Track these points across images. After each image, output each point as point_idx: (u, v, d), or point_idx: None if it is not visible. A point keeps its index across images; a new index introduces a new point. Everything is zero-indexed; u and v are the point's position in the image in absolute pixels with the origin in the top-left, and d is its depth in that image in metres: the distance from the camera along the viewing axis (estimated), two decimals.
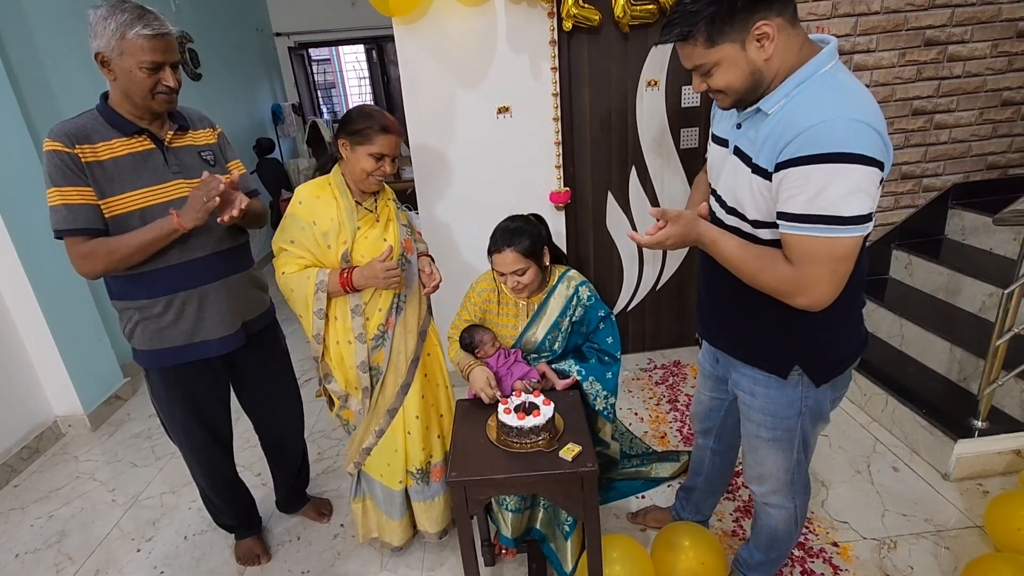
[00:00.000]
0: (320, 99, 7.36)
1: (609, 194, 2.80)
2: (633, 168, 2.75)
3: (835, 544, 1.81)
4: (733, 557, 1.66)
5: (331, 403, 1.73)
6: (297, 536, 2.05)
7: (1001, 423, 2.02)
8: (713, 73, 1.02)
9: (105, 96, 1.45)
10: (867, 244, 1.09)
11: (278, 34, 6.27)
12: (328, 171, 1.61)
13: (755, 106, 1.04)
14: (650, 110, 2.65)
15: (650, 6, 2.37)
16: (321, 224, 1.54)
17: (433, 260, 1.73)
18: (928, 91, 2.61)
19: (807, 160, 0.93)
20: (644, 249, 1.23)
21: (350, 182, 1.57)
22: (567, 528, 1.67)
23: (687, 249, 2.80)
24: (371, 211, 1.60)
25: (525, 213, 1.67)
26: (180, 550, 2.03)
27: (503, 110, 2.52)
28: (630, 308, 3.02)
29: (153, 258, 1.45)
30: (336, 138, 1.55)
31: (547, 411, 1.40)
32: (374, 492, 1.79)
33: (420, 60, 2.43)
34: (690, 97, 2.64)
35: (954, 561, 1.72)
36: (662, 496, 2.07)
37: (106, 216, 1.41)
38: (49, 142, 1.36)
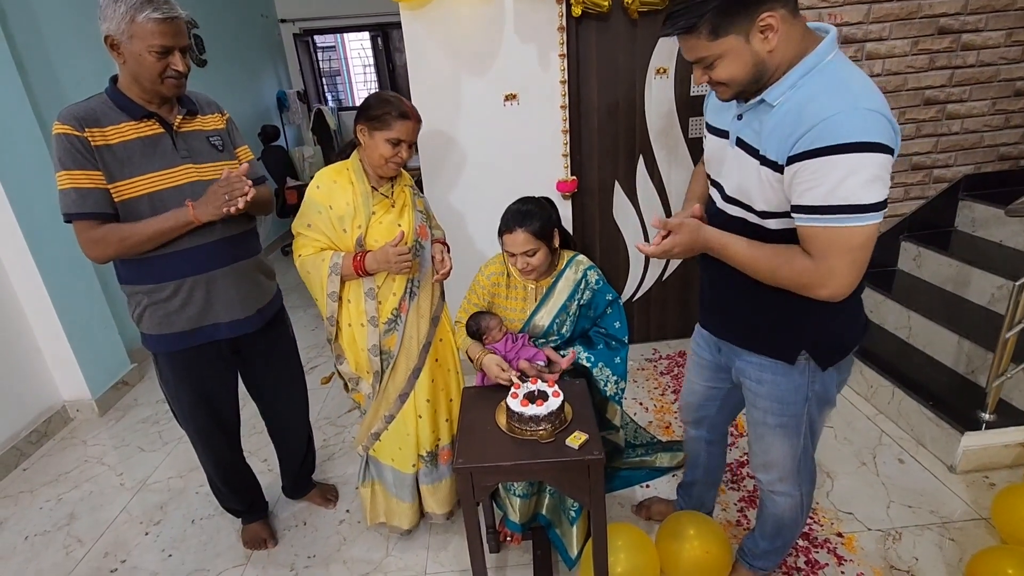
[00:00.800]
0: (325, 87, 7.32)
1: (616, 183, 2.78)
2: (641, 157, 2.73)
3: (840, 535, 1.82)
4: (737, 547, 1.66)
5: (346, 385, 1.75)
6: (303, 521, 2.06)
7: (1009, 416, 2.01)
8: (716, 65, 1.02)
9: (114, 79, 1.44)
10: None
11: (283, 20, 6.23)
12: (345, 156, 1.62)
13: (758, 97, 1.03)
14: (659, 98, 2.62)
15: None
16: (337, 208, 1.55)
17: (448, 248, 1.74)
18: (941, 80, 2.58)
19: (824, 152, 0.93)
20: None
21: (368, 167, 1.58)
22: (572, 514, 1.68)
23: None
24: (387, 196, 1.61)
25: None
26: (188, 534, 2.05)
27: (510, 98, 2.50)
28: (636, 298, 3.02)
29: (162, 243, 1.46)
30: (355, 123, 1.56)
31: (555, 400, 1.40)
32: (383, 477, 1.80)
33: (427, 46, 2.41)
34: (699, 86, 2.61)
35: (959, 553, 1.72)
36: (667, 485, 2.07)
37: (115, 200, 1.41)
38: (59, 125, 1.35)
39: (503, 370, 1.57)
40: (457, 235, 2.66)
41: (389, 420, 1.71)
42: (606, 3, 2.35)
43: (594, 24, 2.48)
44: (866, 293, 2.74)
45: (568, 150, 2.59)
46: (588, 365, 1.64)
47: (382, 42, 6.82)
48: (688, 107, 2.65)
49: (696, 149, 2.72)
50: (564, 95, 2.51)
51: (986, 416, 1.98)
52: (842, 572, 1.69)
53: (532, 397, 1.41)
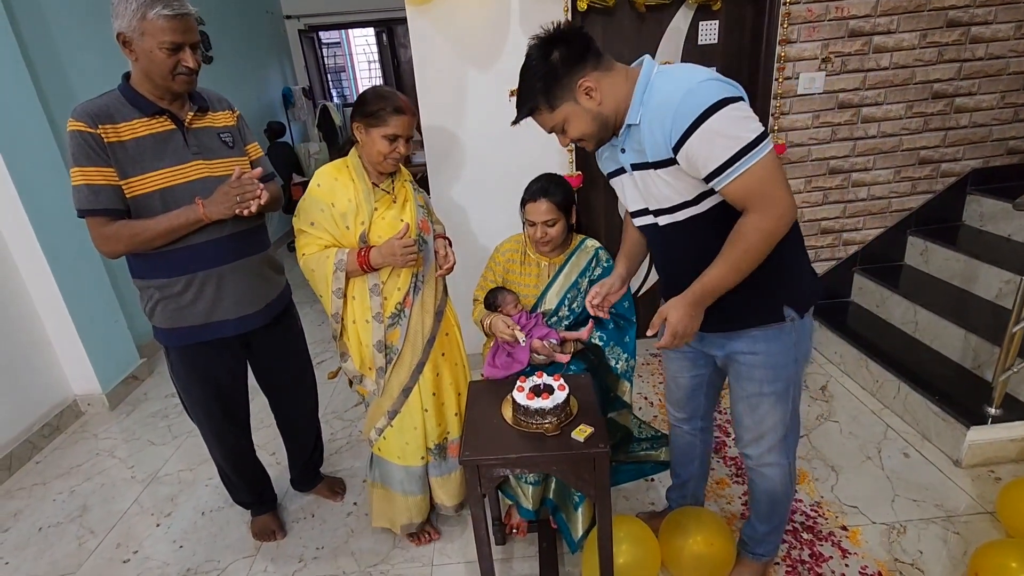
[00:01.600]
0: (330, 83, 7.34)
1: None
2: None
3: (844, 528, 1.82)
4: (738, 539, 1.67)
5: (350, 381, 1.76)
6: (311, 513, 2.09)
7: (1015, 410, 2.01)
8: (566, 129, 1.23)
9: (127, 76, 1.46)
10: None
11: (288, 16, 6.24)
12: (347, 153, 1.63)
13: (624, 126, 1.21)
14: None
15: None
16: (339, 206, 1.56)
17: (450, 243, 1.75)
18: (949, 73, 2.56)
19: (693, 127, 1.08)
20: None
21: (367, 164, 1.59)
22: (576, 499, 1.72)
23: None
24: (388, 192, 1.62)
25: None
26: (198, 525, 2.08)
27: (515, 92, 2.49)
28: (641, 294, 3.02)
29: (173, 240, 1.48)
30: (351, 121, 1.56)
31: (561, 394, 1.41)
32: (390, 478, 1.80)
33: (432, 42, 2.41)
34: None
35: (964, 546, 1.72)
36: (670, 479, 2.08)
37: (128, 196, 1.43)
38: (73, 122, 1.37)
39: (508, 327, 1.65)
40: (462, 229, 2.67)
41: (392, 416, 1.71)
42: None
43: (600, 18, 2.48)
44: (872, 288, 2.76)
45: (573, 145, 2.58)
46: (600, 344, 1.71)
47: (387, 38, 6.82)
48: None
49: None
50: None
51: (992, 410, 1.98)
52: (846, 565, 1.70)
53: (538, 391, 1.42)
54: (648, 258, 2.84)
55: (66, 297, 2.62)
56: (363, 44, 7.72)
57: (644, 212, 1.33)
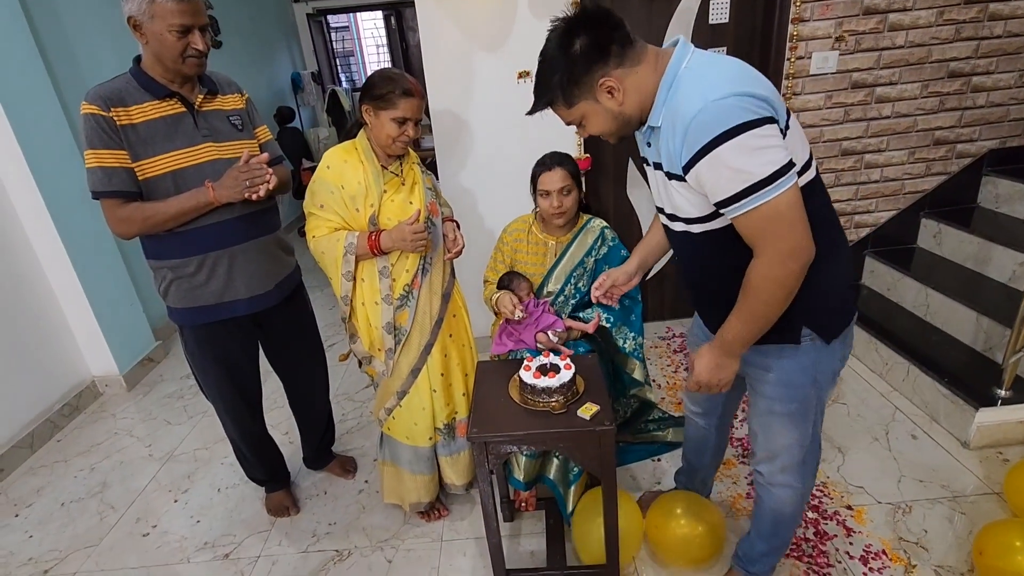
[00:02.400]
0: (339, 67, 7.32)
1: (630, 161, 2.77)
2: None
3: (849, 507, 1.84)
4: (733, 553, 1.61)
5: (360, 362, 1.79)
6: (324, 491, 2.13)
7: None
8: (585, 124, 1.15)
9: (138, 60, 1.48)
10: (818, 187, 1.14)
11: (296, 0, 6.21)
12: (355, 136, 1.63)
13: (647, 125, 1.12)
14: None
15: None
16: (349, 188, 1.57)
17: (458, 226, 1.76)
18: (966, 52, 2.51)
19: (701, 152, 0.99)
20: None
21: (375, 147, 1.59)
22: (571, 476, 1.77)
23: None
24: (397, 175, 1.63)
25: None
26: (214, 501, 2.14)
27: (524, 75, 2.49)
28: (649, 277, 3.02)
29: (185, 222, 1.51)
30: (360, 104, 1.57)
31: (567, 373, 1.43)
32: (399, 457, 1.83)
33: (440, 25, 2.40)
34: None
35: (969, 526, 1.73)
36: (677, 460, 2.10)
37: (140, 178, 1.46)
38: (86, 105, 1.40)
39: (514, 305, 1.70)
40: (470, 213, 2.68)
41: (402, 396, 1.74)
42: None
43: (608, 0, 2.45)
44: (883, 271, 2.74)
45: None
46: (608, 326, 1.74)
47: (395, 21, 6.78)
48: None
49: None
50: None
51: (1002, 392, 1.97)
52: (850, 543, 1.71)
53: (544, 369, 1.44)
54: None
55: (83, 281, 2.68)
56: (371, 28, 7.67)
57: (662, 212, 1.25)
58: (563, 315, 1.80)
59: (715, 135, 0.96)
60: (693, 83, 1.02)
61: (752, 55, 2.58)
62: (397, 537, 1.90)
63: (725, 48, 2.56)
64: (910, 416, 2.21)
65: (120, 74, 1.48)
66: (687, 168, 1.03)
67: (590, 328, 1.72)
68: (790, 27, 2.43)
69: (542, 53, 1.11)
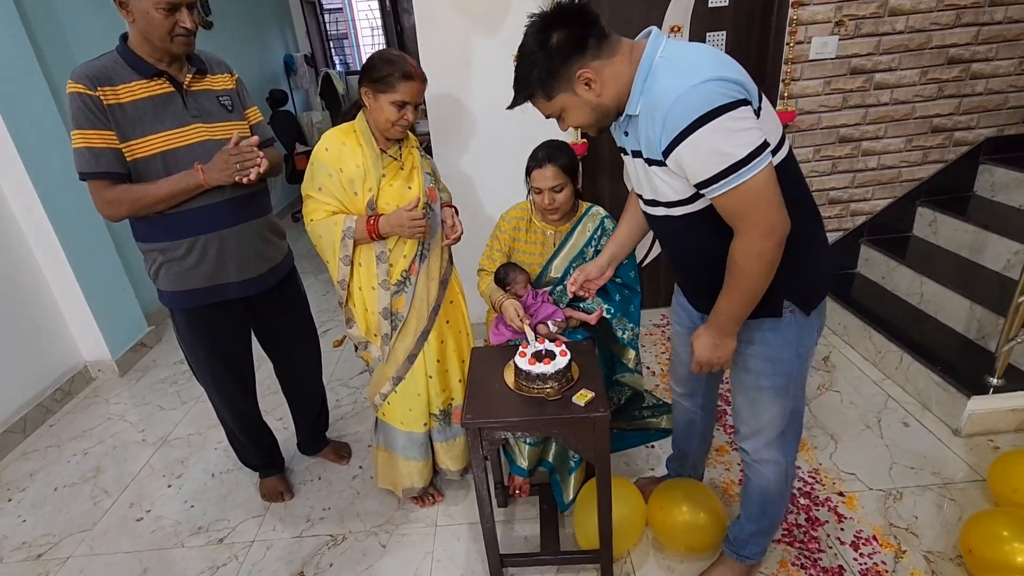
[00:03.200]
0: (332, 50, 7.21)
1: None
2: None
3: (841, 494, 1.85)
4: (724, 538, 1.61)
5: (356, 346, 1.78)
6: (318, 476, 2.14)
7: (1017, 381, 2.01)
8: (564, 117, 1.18)
9: (125, 37, 1.44)
10: (792, 164, 1.18)
11: None
12: (353, 118, 1.60)
13: (624, 114, 1.15)
14: None
15: None
16: (347, 171, 1.55)
17: (457, 212, 1.74)
18: (966, 38, 2.49)
19: (681, 136, 1.02)
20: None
21: (374, 130, 1.57)
22: (572, 464, 1.76)
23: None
24: (396, 159, 1.61)
25: None
26: (208, 486, 2.13)
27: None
28: (644, 264, 3.01)
29: (174, 204, 1.49)
30: (359, 86, 1.54)
31: (562, 359, 1.42)
32: (393, 442, 1.83)
33: (436, 6, 2.36)
34: (714, 44, 2.54)
35: (959, 512, 1.75)
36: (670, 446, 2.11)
37: (128, 159, 1.43)
38: (72, 84, 1.37)
39: (519, 317, 1.64)
40: (467, 199, 2.66)
41: (397, 381, 1.74)
42: None
43: None
44: (878, 259, 2.74)
45: None
46: (608, 317, 1.71)
47: (390, 3, 6.66)
48: None
49: None
50: None
51: (994, 380, 1.99)
52: (841, 529, 1.73)
53: (540, 356, 1.43)
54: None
55: (73, 264, 2.64)
56: (366, 10, 7.55)
57: (642, 198, 1.29)
58: (562, 304, 1.79)
59: (694, 119, 1.00)
60: (670, 71, 1.05)
61: (751, 39, 2.55)
62: (391, 522, 1.90)
63: (724, 32, 2.52)
64: (902, 404, 2.23)
65: (107, 52, 1.45)
66: (667, 152, 1.07)
67: (592, 320, 1.70)
68: (790, 11, 2.40)
69: (520, 49, 1.13)
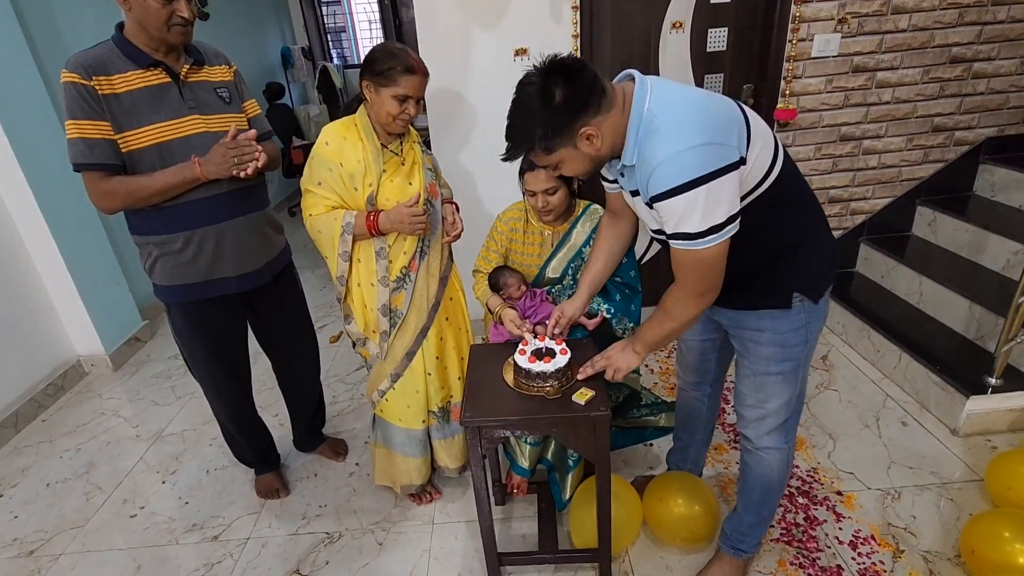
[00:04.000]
0: (330, 43, 7.15)
1: None
2: None
3: (839, 493, 1.85)
4: (720, 533, 1.61)
5: (354, 343, 1.76)
6: (314, 473, 2.12)
7: (1016, 381, 2.01)
8: (560, 168, 1.20)
9: (121, 26, 1.42)
10: (791, 171, 1.23)
11: None
12: (354, 111, 1.57)
13: (621, 163, 1.18)
14: (674, 54, 2.54)
15: None
16: (348, 166, 1.52)
17: (457, 208, 1.72)
18: (969, 37, 2.48)
19: (660, 197, 1.09)
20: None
21: (376, 124, 1.54)
22: (571, 463, 1.76)
23: None
24: (397, 154, 1.59)
25: None
26: (203, 483, 2.11)
27: (521, 52, 2.43)
28: (644, 261, 3.00)
29: (170, 197, 1.46)
30: (360, 79, 1.51)
31: (563, 358, 1.41)
32: (391, 439, 1.82)
33: (435, 0, 2.33)
34: (716, 41, 2.53)
35: (957, 512, 1.75)
36: (670, 445, 2.10)
37: (123, 151, 1.40)
38: (66, 73, 1.34)
39: (518, 327, 1.60)
40: (466, 194, 2.64)
41: (395, 379, 1.72)
42: None
43: None
44: (878, 258, 2.74)
45: None
46: (609, 317, 1.69)
47: None
48: (704, 63, 2.57)
49: None
50: (577, 50, 2.43)
51: (993, 380, 1.99)
52: (840, 528, 1.73)
53: (540, 354, 1.42)
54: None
55: (66, 257, 2.61)
56: (364, 3, 7.49)
57: (650, 227, 1.31)
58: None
59: (673, 187, 1.05)
60: (657, 132, 1.08)
61: (753, 36, 2.54)
62: (388, 519, 1.89)
63: (726, 28, 2.51)
64: (901, 403, 2.23)
65: (102, 41, 1.42)
66: (650, 204, 1.14)
67: (591, 325, 1.67)
68: (792, 8, 2.39)
69: (519, 104, 1.13)
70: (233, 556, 1.80)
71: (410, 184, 1.59)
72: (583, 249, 1.75)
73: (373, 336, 1.69)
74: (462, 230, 1.69)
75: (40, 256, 2.60)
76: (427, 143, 2.61)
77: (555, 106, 1.08)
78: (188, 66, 1.47)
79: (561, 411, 1.35)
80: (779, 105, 2.55)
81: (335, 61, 7.06)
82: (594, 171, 1.24)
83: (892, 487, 1.86)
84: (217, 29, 4.33)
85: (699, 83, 2.61)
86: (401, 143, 1.60)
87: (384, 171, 1.56)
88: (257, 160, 1.46)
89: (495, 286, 1.73)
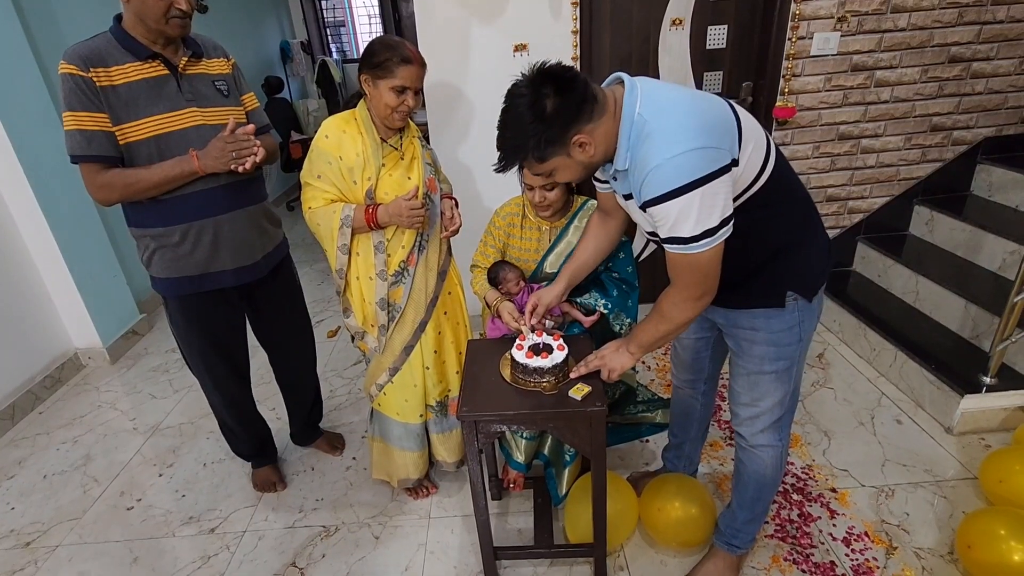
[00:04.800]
0: (329, 38, 7.13)
1: None
2: None
3: (834, 490, 1.86)
4: (715, 529, 1.62)
5: (352, 337, 1.77)
6: (311, 467, 2.12)
7: (1010, 380, 2.02)
8: (554, 175, 1.19)
9: (119, 18, 1.41)
10: (785, 170, 1.23)
11: None
12: (354, 106, 1.58)
13: (614, 168, 1.18)
14: (673, 51, 2.54)
15: None
16: (347, 159, 1.53)
17: (457, 204, 1.73)
18: (968, 36, 2.48)
19: (652, 203, 1.09)
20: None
21: (375, 118, 1.55)
22: (567, 458, 1.76)
23: None
24: (396, 148, 1.59)
25: None
26: (200, 476, 2.12)
27: (520, 48, 2.43)
28: (641, 259, 3.00)
29: (168, 190, 1.46)
30: (359, 73, 1.52)
31: (560, 354, 1.41)
32: (388, 433, 1.82)
33: None
34: (715, 39, 2.53)
35: (950, 509, 1.76)
36: (665, 441, 2.11)
37: (120, 143, 1.40)
38: (64, 65, 1.34)
39: (515, 319, 1.60)
40: (464, 190, 2.63)
41: (393, 372, 1.73)
42: None
43: None
44: (874, 257, 2.75)
45: None
46: (606, 312, 1.69)
47: None
48: (704, 61, 2.57)
49: None
50: (576, 46, 2.43)
51: (987, 379, 2.00)
52: (833, 525, 1.74)
53: (537, 350, 1.42)
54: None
55: (63, 250, 2.61)
56: None
57: (643, 229, 1.31)
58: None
59: (667, 191, 1.05)
60: (649, 136, 1.08)
61: (752, 34, 2.54)
62: (385, 513, 1.89)
63: (726, 26, 2.51)
64: (896, 401, 2.24)
65: (100, 33, 1.42)
66: (643, 207, 1.13)
67: (587, 323, 1.67)
68: (792, 5, 2.39)
69: (510, 115, 1.12)
70: (230, 549, 1.81)
71: (409, 178, 1.59)
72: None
73: (372, 330, 1.69)
74: (460, 225, 1.69)
75: (37, 248, 2.60)
76: (426, 138, 2.62)
77: (547, 117, 1.07)
78: (186, 58, 1.47)
79: (558, 406, 1.35)
80: (778, 103, 2.55)
81: (334, 56, 7.04)
82: (588, 176, 1.25)
83: (886, 484, 1.87)
84: (216, 22, 4.31)
85: (698, 80, 2.61)
86: (401, 138, 1.60)
87: (383, 165, 1.56)
88: (255, 155, 1.46)
89: (494, 280, 1.73)
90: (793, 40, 2.44)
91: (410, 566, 1.71)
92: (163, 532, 1.89)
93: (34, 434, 2.41)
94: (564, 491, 1.77)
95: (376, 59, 1.46)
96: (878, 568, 1.60)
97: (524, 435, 1.76)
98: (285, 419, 2.17)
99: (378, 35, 7.14)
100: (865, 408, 2.22)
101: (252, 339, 1.86)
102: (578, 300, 1.72)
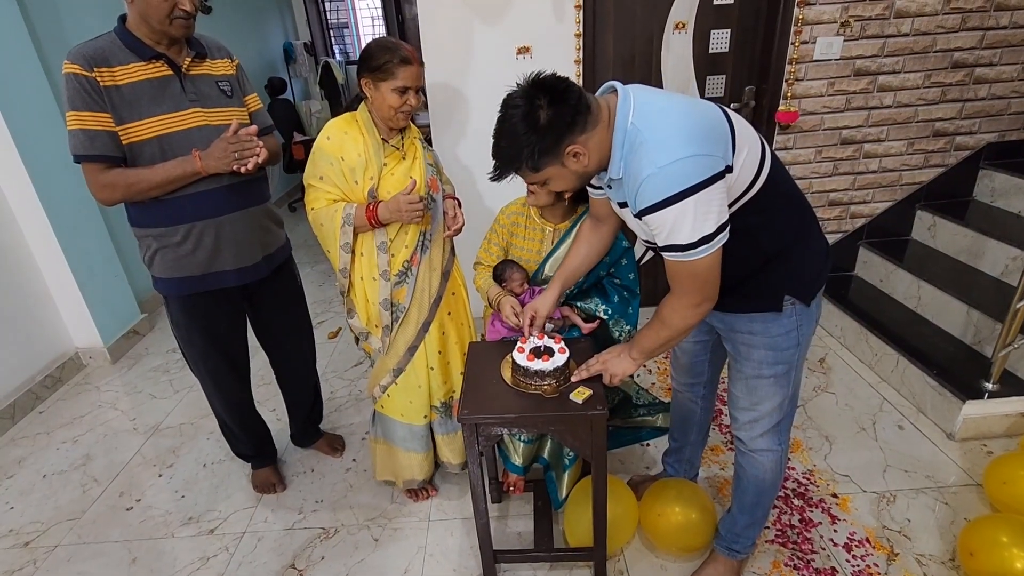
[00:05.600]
0: (332, 39, 7.14)
1: None
2: None
3: (835, 495, 1.85)
4: (715, 534, 1.61)
5: (356, 338, 1.77)
6: (311, 468, 2.12)
7: (1013, 386, 2.01)
8: (549, 184, 1.21)
9: (123, 19, 1.42)
10: (781, 174, 1.23)
11: None
12: (355, 110, 1.59)
13: (608, 176, 1.18)
14: (676, 54, 2.54)
15: None
16: (349, 160, 1.54)
17: (460, 204, 1.73)
18: (971, 42, 2.48)
19: (648, 211, 1.09)
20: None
21: (377, 120, 1.56)
22: (567, 461, 1.75)
23: None
24: (398, 148, 1.59)
25: None
26: (199, 476, 2.11)
27: (523, 51, 2.43)
28: (642, 263, 3.00)
29: (170, 190, 1.46)
30: (358, 77, 1.52)
31: (561, 357, 1.41)
32: (392, 434, 1.82)
33: None
34: (718, 43, 2.53)
35: (952, 515, 1.75)
36: (666, 444, 2.10)
37: (124, 143, 1.41)
38: (68, 64, 1.34)
39: (515, 315, 1.60)
40: (466, 191, 2.63)
41: (397, 373, 1.72)
42: None
43: None
44: (877, 262, 2.74)
45: None
46: (606, 318, 1.68)
47: None
48: (706, 64, 2.57)
49: None
50: (579, 49, 2.44)
51: (989, 385, 1.99)
52: (835, 531, 1.73)
53: (538, 352, 1.42)
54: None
55: (65, 249, 2.61)
56: None
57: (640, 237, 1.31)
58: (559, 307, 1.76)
59: (662, 199, 1.06)
60: (646, 146, 1.08)
61: (756, 38, 2.54)
62: (384, 515, 1.89)
63: (729, 30, 2.51)
64: (897, 407, 2.23)
65: (104, 33, 1.42)
66: (638, 216, 1.14)
67: (587, 329, 1.66)
68: (795, 10, 2.39)
69: (505, 125, 1.14)
70: (229, 550, 1.80)
71: (411, 178, 1.59)
72: None
73: (375, 330, 1.69)
74: (463, 224, 1.69)
75: (39, 247, 2.60)
76: (428, 140, 2.62)
77: (540, 128, 1.09)
78: (190, 59, 1.48)
79: (558, 409, 1.35)
80: (780, 107, 2.55)
81: (337, 57, 7.05)
82: (583, 185, 1.26)
83: (887, 490, 1.86)
84: (219, 23, 4.32)
85: (701, 84, 2.61)
86: (402, 138, 1.61)
87: (385, 164, 1.57)
88: (258, 156, 1.47)
89: (499, 277, 1.73)
90: (796, 44, 2.45)
91: (409, 569, 1.70)
92: (162, 533, 1.88)
93: (34, 433, 2.41)
94: (564, 494, 1.76)
95: (375, 62, 1.47)
96: (879, 574, 1.59)
97: (521, 439, 1.76)
98: (285, 420, 2.17)
99: (375, 37, 7.16)
100: (866, 413, 2.22)
101: (252, 339, 1.86)
102: (579, 305, 1.72)
